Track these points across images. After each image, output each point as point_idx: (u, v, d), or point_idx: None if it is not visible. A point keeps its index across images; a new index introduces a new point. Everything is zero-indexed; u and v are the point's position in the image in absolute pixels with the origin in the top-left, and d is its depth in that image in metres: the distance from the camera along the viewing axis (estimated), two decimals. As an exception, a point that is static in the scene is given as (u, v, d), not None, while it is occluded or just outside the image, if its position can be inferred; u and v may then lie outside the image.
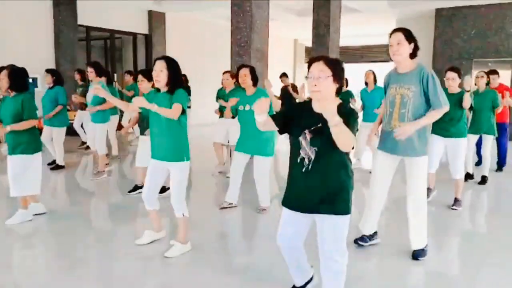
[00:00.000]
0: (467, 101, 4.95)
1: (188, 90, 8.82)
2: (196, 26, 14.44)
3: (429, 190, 5.35)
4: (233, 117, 6.35)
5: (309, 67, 2.44)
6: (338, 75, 2.39)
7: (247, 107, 4.79)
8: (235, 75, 6.80)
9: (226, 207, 5.00)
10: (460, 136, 5.04)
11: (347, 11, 11.83)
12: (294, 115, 2.52)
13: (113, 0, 11.54)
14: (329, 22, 10.24)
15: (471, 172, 6.57)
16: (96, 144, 6.53)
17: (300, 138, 2.42)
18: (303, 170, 2.42)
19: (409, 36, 3.41)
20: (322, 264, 2.53)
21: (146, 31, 12.98)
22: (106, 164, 6.69)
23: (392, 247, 3.87)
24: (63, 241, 4.03)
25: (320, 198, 2.40)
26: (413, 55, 3.45)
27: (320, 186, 2.40)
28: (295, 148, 2.48)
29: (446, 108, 3.38)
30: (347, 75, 6.35)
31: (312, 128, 2.39)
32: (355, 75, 9.13)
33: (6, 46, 9.66)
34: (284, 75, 9.74)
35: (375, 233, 3.89)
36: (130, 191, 5.66)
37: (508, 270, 3.50)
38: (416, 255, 3.60)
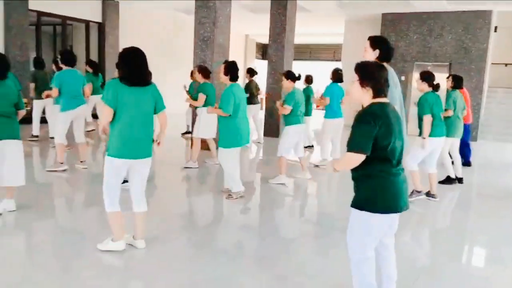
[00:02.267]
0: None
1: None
2: (152, 17, 14.32)
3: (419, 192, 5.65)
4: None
5: None
6: (364, 79, 2.60)
7: None
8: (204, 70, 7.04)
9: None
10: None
11: (300, 11, 12.29)
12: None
13: (66, -14, 11.25)
14: (286, 21, 10.63)
15: (453, 176, 6.67)
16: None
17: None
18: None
19: (373, 43, 3.75)
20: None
21: (99, 19, 12.69)
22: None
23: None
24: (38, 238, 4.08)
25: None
26: (379, 59, 3.74)
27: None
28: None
29: None
30: (300, 72, 6.89)
31: None
32: (304, 72, 9.50)
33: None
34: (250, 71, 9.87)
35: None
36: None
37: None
38: None
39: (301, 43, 21.13)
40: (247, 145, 5.96)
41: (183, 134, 10.41)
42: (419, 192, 5.65)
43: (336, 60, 19.53)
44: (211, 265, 3.46)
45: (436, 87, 5.50)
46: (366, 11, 13.26)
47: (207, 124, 6.80)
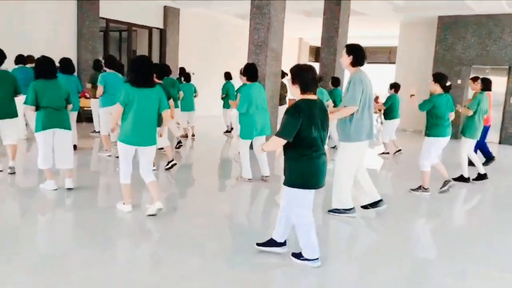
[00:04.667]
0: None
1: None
2: (209, 23, 15.00)
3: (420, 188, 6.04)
4: None
5: None
6: (293, 78, 3.23)
7: None
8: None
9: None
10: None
11: (354, 14, 12.40)
12: None
13: (132, -6, 12.15)
14: (338, 25, 10.83)
15: (466, 176, 6.81)
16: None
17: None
18: None
19: (348, 50, 4.49)
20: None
21: (161, 26, 13.52)
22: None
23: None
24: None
25: None
26: (353, 63, 4.48)
27: None
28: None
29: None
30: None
31: None
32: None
33: (31, 36, 10.18)
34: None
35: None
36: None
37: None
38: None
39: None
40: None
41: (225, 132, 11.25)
42: (426, 189, 5.95)
43: (391, 63, 19.29)
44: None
45: (448, 89, 5.66)
46: (422, 14, 13.14)
47: None
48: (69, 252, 3.61)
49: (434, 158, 5.86)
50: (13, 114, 5.68)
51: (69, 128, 5.09)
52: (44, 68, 4.94)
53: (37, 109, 4.90)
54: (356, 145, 4.56)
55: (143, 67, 4.18)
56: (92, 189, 5.51)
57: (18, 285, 2.97)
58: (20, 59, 8.27)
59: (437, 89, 5.62)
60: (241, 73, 7.52)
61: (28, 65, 8.33)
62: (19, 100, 5.83)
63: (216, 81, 12.70)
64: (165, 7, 13.46)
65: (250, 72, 5.91)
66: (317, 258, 3.42)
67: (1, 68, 5.70)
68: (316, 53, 22.67)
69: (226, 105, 10.91)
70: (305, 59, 21.59)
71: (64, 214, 4.65)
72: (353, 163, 4.64)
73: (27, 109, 5.02)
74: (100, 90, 6.94)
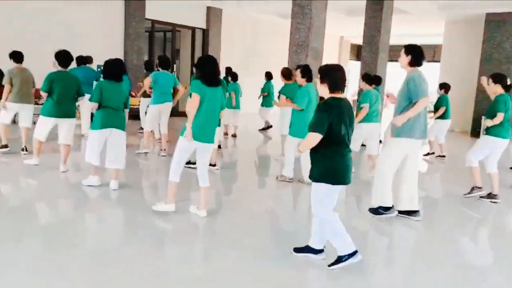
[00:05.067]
0: None
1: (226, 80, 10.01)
2: (251, 22, 15.22)
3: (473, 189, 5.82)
4: None
5: None
6: (322, 78, 3.31)
7: None
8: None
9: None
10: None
11: (397, 12, 12.21)
12: None
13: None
14: (381, 24, 10.71)
15: None
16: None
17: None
18: None
19: (406, 50, 4.48)
20: None
21: (204, 26, 13.83)
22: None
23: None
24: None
25: None
26: (411, 63, 4.46)
27: None
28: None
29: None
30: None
31: None
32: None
33: (80, 36, 10.66)
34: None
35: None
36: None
37: None
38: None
39: (397, 44, 20.64)
40: None
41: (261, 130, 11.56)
42: (479, 188, 5.74)
43: (435, 61, 18.79)
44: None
45: (509, 88, 5.46)
46: (468, 12, 12.75)
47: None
48: (116, 248, 3.75)
49: (493, 166, 5.60)
50: (72, 114, 5.95)
51: (124, 129, 5.32)
52: (113, 70, 5.19)
53: (97, 107, 5.16)
54: (407, 142, 4.51)
55: (214, 67, 4.32)
56: (137, 186, 5.76)
57: (68, 280, 3.11)
58: (81, 60, 8.67)
59: (498, 89, 5.45)
60: (282, 74, 7.58)
61: (88, 65, 8.77)
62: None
63: (254, 80, 12.88)
64: (208, 7, 13.75)
65: (309, 73, 6.07)
66: (356, 251, 3.41)
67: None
68: (357, 51, 22.41)
69: (266, 104, 11.05)
70: (346, 58, 21.40)
71: (110, 210, 4.83)
72: (397, 160, 4.58)
73: (91, 106, 5.26)
74: (147, 81, 7.16)
